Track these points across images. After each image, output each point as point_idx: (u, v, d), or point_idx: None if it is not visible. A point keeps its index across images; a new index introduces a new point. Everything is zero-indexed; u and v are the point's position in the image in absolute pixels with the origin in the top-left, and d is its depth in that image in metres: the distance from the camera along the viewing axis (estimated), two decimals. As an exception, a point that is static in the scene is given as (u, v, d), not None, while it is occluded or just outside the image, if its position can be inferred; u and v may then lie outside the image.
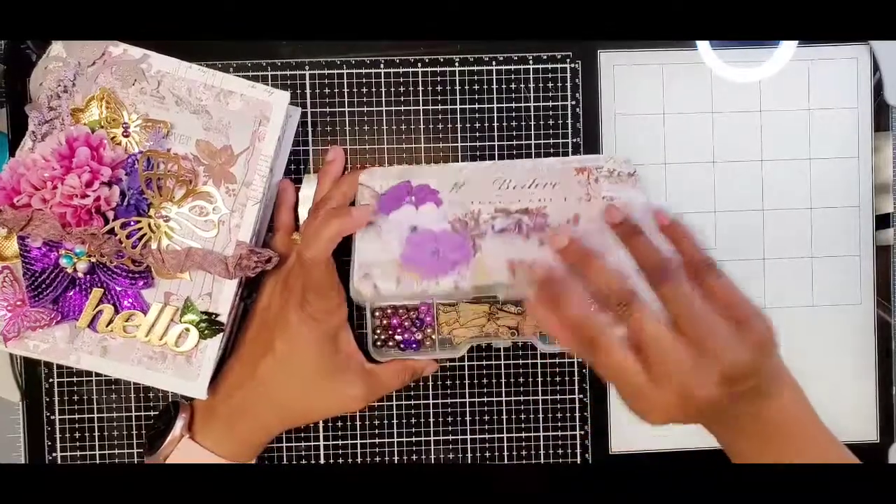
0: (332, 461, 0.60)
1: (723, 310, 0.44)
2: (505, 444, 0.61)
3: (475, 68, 0.59)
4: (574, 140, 0.59)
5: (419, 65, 0.59)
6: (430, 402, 0.60)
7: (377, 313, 0.58)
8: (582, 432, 0.61)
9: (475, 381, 0.60)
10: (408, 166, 0.58)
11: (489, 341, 0.59)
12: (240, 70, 0.58)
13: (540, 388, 0.60)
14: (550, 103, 0.59)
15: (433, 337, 0.58)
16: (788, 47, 0.60)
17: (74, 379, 0.59)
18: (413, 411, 0.60)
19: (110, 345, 0.54)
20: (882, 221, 0.61)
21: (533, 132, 0.59)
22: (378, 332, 0.58)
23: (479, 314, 0.58)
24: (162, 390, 0.58)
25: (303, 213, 0.59)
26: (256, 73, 0.58)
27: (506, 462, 0.61)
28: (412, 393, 0.60)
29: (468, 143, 0.59)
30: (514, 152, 0.59)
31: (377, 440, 0.60)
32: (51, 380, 0.58)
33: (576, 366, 0.60)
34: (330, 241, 0.51)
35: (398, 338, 0.58)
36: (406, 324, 0.58)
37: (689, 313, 0.43)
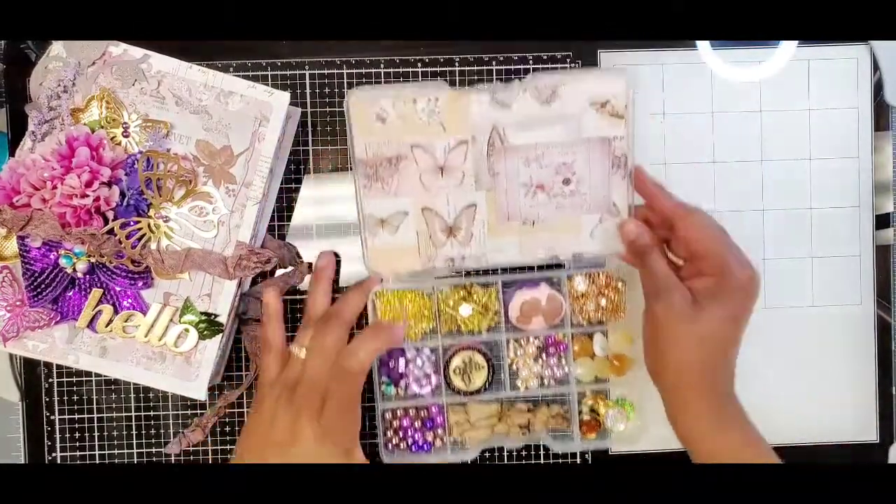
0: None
1: (699, 260, 0.51)
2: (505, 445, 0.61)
3: (475, 68, 0.59)
4: (574, 140, 0.59)
5: (419, 65, 0.59)
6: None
7: (388, 415, 0.58)
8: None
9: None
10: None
11: (501, 444, 0.59)
12: (240, 70, 0.58)
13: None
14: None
15: (444, 439, 0.58)
16: (788, 47, 0.60)
17: (74, 379, 0.59)
18: (413, 411, 0.60)
19: (109, 345, 0.54)
20: (882, 221, 0.61)
21: (533, 132, 0.59)
22: (389, 434, 0.58)
23: (489, 414, 0.58)
24: (161, 390, 0.58)
25: (303, 213, 0.59)
26: (256, 73, 0.58)
27: (506, 462, 0.61)
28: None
29: (468, 143, 0.59)
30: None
31: (377, 440, 0.59)
32: (50, 380, 0.58)
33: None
34: (374, 352, 0.53)
35: (409, 440, 0.58)
36: (417, 424, 0.58)
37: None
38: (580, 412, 0.59)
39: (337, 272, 0.59)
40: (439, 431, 0.58)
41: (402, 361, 0.58)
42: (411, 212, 0.56)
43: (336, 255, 0.59)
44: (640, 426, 0.59)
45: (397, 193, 0.55)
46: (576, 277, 0.58)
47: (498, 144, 0.54)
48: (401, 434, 0.58)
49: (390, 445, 0.58)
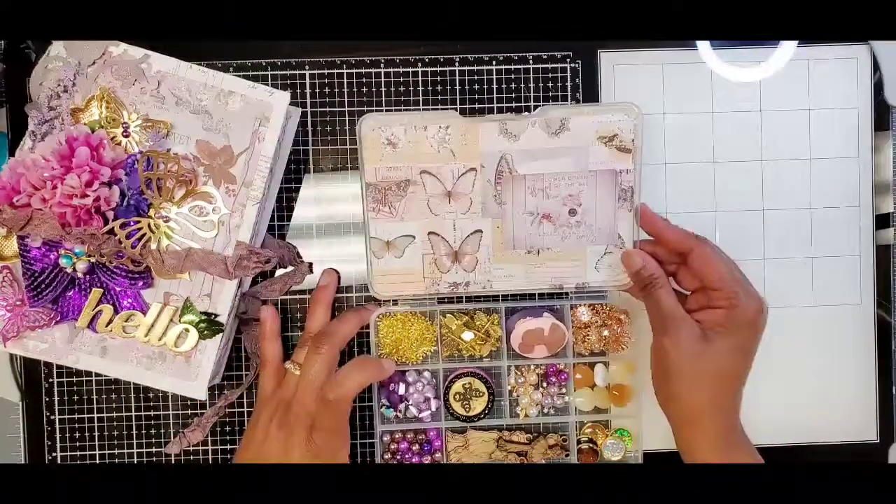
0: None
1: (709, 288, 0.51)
2: (505, 445, 0.61)
3: (475, 68, 0.59)
4: (574, 140, 0.59)
5: (419, 65, 0.59)
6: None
7: (385, 438, 0.58)
8: (582, 432, 0.61)
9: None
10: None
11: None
12: (240, 70, 0.58)
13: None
14: (551, 103, 0.59)
15: (441, 462, 0.58)
16: (788, 47, 0.60)
17: (74, 379, 0.59)
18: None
19: (109, 345, 0.54)
20: (882, 221, 0.61)
21: (533, 132, 0.59)
22: (387, 456, 0.58)
23: (487, 441, 0.58)
24: (161, 390, 0.58)
25: (303, 213, 0.59)
26: (256, 73, 0.58)
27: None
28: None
29: (468, 143, 0.59)
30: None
31: (377, 440, 0.59)
32: (50, 380, 0.58)
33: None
34: (359, 386, 0.52)
35: (406, 464, 0.58)
36: (415, 448, 0.58)
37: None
38: (578, 441, 0.59)
39: (337, 289, 0.59)
40: (437, 456, 0.58)
41: (402, 386, 0.58)
42: (417, 236, 0.56)
43: (337, 272, 0.59)
44: (637, 455, 0.59)
45: (404, 218, 0.56)
46: (579, 307, 0.58)
47: (506, 173, 0.55)
48: (398, 457, 0.59)
49: None
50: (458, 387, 0.58)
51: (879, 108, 0.60)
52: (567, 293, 0.58)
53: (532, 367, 0.59)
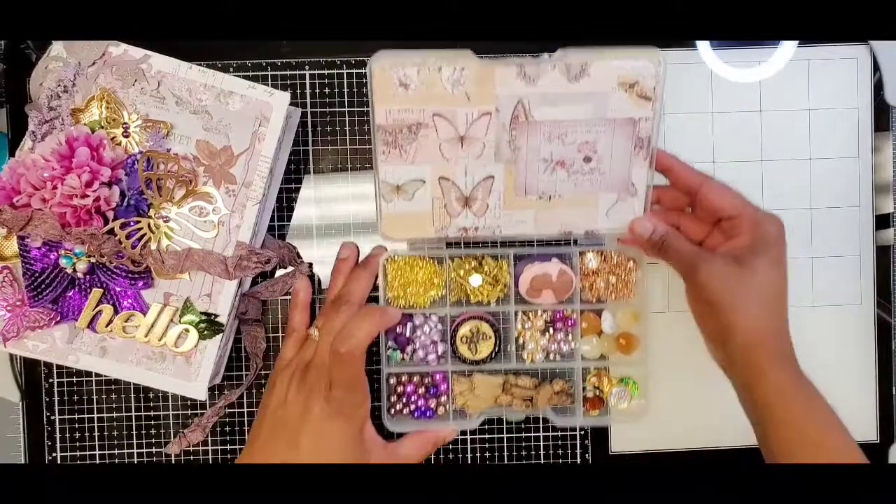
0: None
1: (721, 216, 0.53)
2: (505, 444, 0.61)
3: (475, 68, 0.59)
4: (574, 140, 0.59)
5: (419, 65, 0.59)
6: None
7: (392, 380, 0.58)
8: (582, 432, 0.61)
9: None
10: None
11: (502, 415, 0.59)
12: (240, 70, 0.58)
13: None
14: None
15: (447, 406, 0.58)
16: (788, 47, 0.60)
17: (74, 379, 0.59)
18: (413, 411, 0.60)
19: (109, 345, 0.54)
20: (882, 221, 0.61)
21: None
22: (393, 399, 0.58)
23: (493, 385, 0.58)
24: (161, 390, 0.58)
25: (303, 213, 0.59)
26: (256, 73, 0.58)
27: (506, 462, 0.61)
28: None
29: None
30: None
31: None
32: (51, 380, 0.58)
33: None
34: (368, 336, 0.52)
35: (412, 406, 0.58)
36: (421, 391, 0.58)
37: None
38: (584, 388, 0.59)
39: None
40: (442, 399, 0.58)
41: (409, 327, 0.58)
42: (428, 180, 0.55)
43: (357, 246, 0.59)
44: (644, 405, 0.58)
45: (415, 161, 0.55)
46: (588, 254, 0.58)
47: (522, 118, 0.54)
48: (404, 400, 0.58)
49: (393, 411, 0.58)
50: (465, 330, 0.57)
51: (879, 108, 0.60)
52: (576, 240, 0.58)
53: (539, 312, 0.58)
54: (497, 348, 0.58)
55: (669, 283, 0.61)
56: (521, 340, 0.59)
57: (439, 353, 0.58)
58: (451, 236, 0.57)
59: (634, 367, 0.59)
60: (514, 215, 0.56)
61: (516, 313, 0.58)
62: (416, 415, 0.58)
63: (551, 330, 0.59)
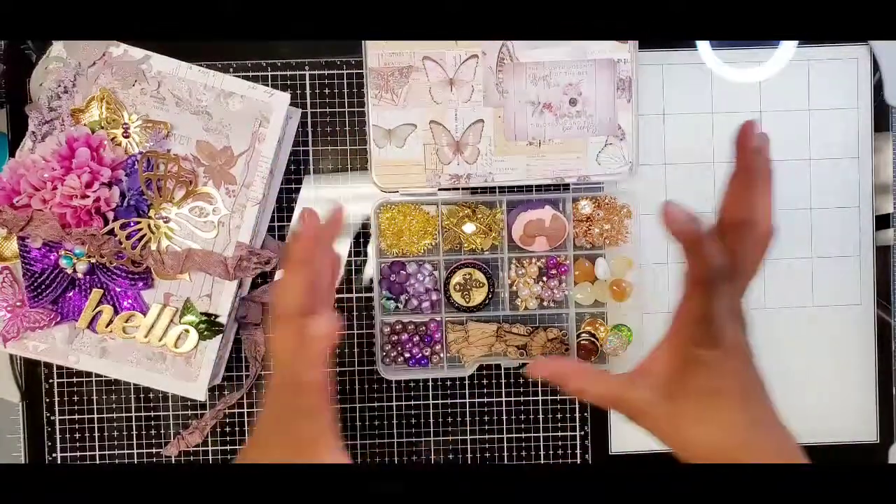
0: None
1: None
2: (505, 445, 0.61)
3: (475, 68, 0.59)
4: (574, 140, 0.59)
5: (419, 65, 0.59)
6: (430, 402, 0.60)
7: (386, 329, 0.58)
8: (582, 432, 0.61)
9: (476, 382, 0.60)
10: None
11: (497, 361, 0.59)
12: (240, 70, 0.58)
13: (540, 388, 0.60)
14: None
15: (441, 354, 0.58)
16: (788, 47, 0.60)
17: (74, 379, 0.59)
18: (413, 412, 0.60)
19: (109, 345, 0.54)
20: (882, 221, 0.61)
21: (533, 132, 0.59)
22: (387, 348, 0.58)
23: (487, 333, 0.58)
24: (161, 391, 0.58)
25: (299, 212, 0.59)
26: (256, 73, 0.58)
27: (506, 462, 0.61)
28: (412, 394, 0.60)
29: (468, 144, 0.59)
30: (514, 152, 0.59)
31: (377, 440, 0.59)
32: (51, 380, 0.58)
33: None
34: (300, 289, 0.41)
35: (407, 354, 0.58)
36: (415, 339, 0.58)
37: None
38: (578, 336, 0.59)
39: (338, 289, 0.59)
40: (437, 347, 0.58)
41: (402, 275, 0.58)
42: (419, 125, 0.56)
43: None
44: (638, 352, 0.58)
45: (406, 105, 0.55)
46: (581, 201, 0.58)
47: (507, 61, 0.55)
48: (399, 349, 0.58)
49: (388, 359, 0.58)
50: (458, 277, 0.58)
51: (879, 109, 0.60)
52: (568, 185, 0.58)
53: (533, 259, 0.58)
54: (490, 295, 0.58)
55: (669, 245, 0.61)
56: (514, 288, 0.59)
57: (433, 301, 0.58)
58: (443, 185, 0.57)
59: (629, 314, 0.59)
60: (506, 162, 0.57)
61: (510, 261, 0.58)
62: (410, 363, 0.58)
63: (545, 277, 0.59)
